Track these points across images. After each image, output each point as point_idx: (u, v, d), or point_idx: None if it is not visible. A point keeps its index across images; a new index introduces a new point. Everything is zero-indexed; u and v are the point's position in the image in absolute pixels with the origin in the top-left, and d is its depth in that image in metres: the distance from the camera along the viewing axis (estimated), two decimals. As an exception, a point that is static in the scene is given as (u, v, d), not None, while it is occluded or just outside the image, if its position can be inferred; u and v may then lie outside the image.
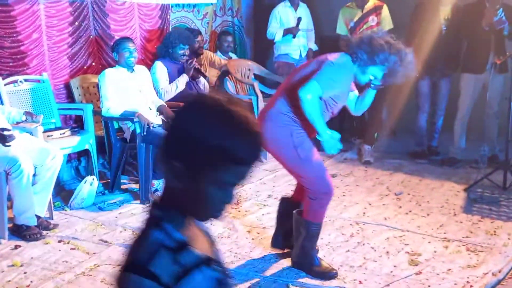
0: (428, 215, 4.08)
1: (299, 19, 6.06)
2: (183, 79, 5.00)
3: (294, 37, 6.05)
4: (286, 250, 3.38)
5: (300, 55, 6.18)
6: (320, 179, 3.02)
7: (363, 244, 3.56)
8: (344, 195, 4.58)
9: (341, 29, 5.67)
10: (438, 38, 5.17)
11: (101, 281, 3.08)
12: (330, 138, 2.92)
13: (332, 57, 3.03)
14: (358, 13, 5.59)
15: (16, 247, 3.55)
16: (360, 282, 3.04)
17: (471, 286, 2.96)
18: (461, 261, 3.28)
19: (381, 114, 5.64)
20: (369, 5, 5.59)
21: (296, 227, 3.16)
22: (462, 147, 5.39)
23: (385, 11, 5.61)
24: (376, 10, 5.58)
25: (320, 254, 3.38)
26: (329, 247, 3.52)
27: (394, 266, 3.22)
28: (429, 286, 2.98)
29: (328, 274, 3.09)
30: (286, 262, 3.29)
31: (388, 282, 3.03)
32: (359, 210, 4.20)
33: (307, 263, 3.14)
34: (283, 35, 6.12)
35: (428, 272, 3.14)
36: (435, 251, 3.42)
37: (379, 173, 5.24)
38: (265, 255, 3.41)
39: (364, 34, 3.18)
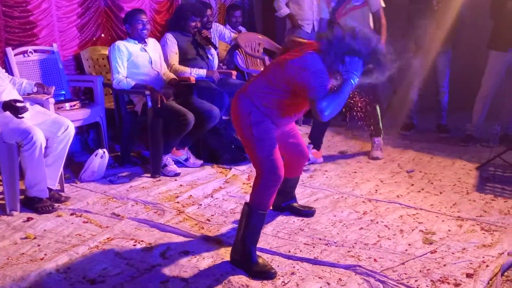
0: (441, 193, 4.06)
1: None
2: (200, 72, 4.88)
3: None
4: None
5: (313, 29, 6.09)
6: (268, 159, 2.92)
7: (377, 222, 3.54)
8: (355, 172, 4.56)
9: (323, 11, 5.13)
10: (431, 14, 5.24)
11: (115, 255, 3.07)
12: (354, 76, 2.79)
13: (306, 63, 2.81)
14: None
15: (29, 219, 3.54)
16: (375, 260, 3.02)
17: (487, 265, 2.94)
18: (476, 240, 3.26)
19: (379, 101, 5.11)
20: None
21: (240, 219, 3.02)
22: (481, 125, 5.34)
23: None
24: None
25: (333, 232, 3.38)
26: (342, 225, 3.50)
27: (409, 245, 3.20)
28: (444, 265, 2.96)
29: (267, 274, 2.88)
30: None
31: (403, 260, 3.01)
32: (371, 187, 4.18)
33: (245, 260, 2.93)
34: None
35: (443, 251, 3.13)
36: (449, 230, 3.41)
37: (389, 150, 5.22)
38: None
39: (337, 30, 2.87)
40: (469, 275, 2.84)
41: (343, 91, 2.77)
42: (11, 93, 3.70)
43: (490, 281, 2.79)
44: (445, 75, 5.59)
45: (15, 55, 4.47)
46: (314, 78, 2.77)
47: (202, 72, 4.91)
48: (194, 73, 4.87)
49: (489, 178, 4.38)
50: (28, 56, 4.58)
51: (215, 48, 5.25)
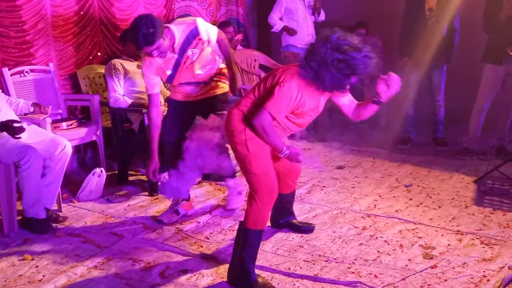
0: (440, 208, 4.05)
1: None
2: None
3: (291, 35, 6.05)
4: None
5: (309, 45, 6.12)
6: (263, 176, 2.90)
7: (376, 238, 3.53)
8: (353, 187, 4.55)
9: None
10: (425, 29, 5.27)
11: (114, 275, 3.05)
12: (288, 154, 2.87)
13: (287, 75, 2.81)
14: None
15: (26, 240, 3.52)
16: (375, 276, 3.01)
17: (488, 280, 2.94)
18: (476, 254, 3.25)
19: None
20: None
21: (237, 238, 3.00)
22: (478, 137, 5.34)
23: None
24: None
25: (333, 248, 3.37)
26: (341, 241, 3.49)
27: (409, 260, 3.19)
28: (445, 280, 2.95)
29: None
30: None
31: (403, 276, 3.00)
32: (369, 202, 4.17)
33: (244, 279, 2.90)
34: (281, 30, 6.09)
35: (443, 266, 3.12)
36: (449, 244, 3.40)
37: (387, 164, 5.21)
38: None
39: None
40: (470, 290, 2.83)
41: (270, 140, 2.81)
42: (8, 114, 3.69)
43: (491, 296, 2.78)
44: (441, 89, 5.62)
45: (11, 75, 4.47)
46: (282, 92, 2.73)
47: None
48: None
49: (487, 191, 4.37)
50: (25, 76, 4.58)
51: None
